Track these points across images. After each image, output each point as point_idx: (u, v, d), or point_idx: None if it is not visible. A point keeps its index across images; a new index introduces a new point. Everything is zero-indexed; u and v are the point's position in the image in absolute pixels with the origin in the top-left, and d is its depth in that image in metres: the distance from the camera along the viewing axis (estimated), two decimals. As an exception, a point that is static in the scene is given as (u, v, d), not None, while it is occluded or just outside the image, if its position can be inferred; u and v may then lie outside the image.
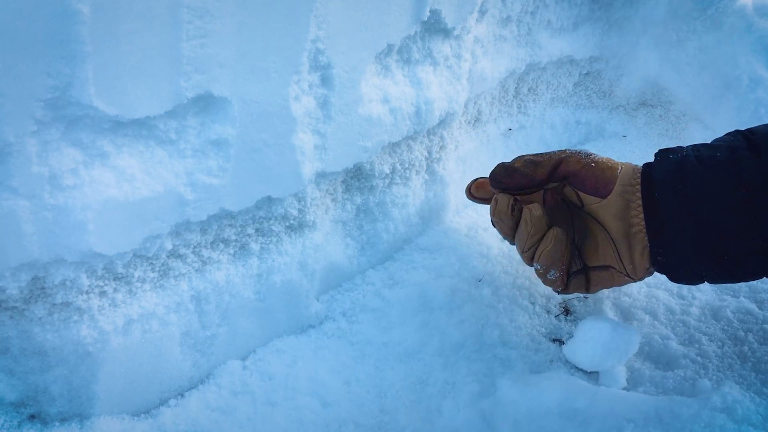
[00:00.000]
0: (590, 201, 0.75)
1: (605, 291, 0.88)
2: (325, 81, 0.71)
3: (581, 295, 0.88)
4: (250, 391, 0.74)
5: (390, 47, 0.77)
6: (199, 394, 0.73)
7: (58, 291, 0.60)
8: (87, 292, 0.62)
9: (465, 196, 0.89)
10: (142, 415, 0.70)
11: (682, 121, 1.27)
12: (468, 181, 0.98)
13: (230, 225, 0.70)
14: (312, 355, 0.79)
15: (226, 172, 0.65)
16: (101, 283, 0.63)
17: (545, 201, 0.80)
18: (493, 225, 0.81)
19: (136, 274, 0.65)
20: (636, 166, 0.75)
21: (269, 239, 0.75)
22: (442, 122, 0.88)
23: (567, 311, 0.87)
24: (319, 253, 0.81)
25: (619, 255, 0.74)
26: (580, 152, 0.76)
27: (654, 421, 0.67)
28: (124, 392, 0.68)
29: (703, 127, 1.21)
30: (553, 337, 0.84)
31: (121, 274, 0.64)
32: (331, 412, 0.73)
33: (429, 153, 0.89)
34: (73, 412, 0.66)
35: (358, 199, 0.84)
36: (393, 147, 0.83)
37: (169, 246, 0.66)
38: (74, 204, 0.57)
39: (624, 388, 0.75)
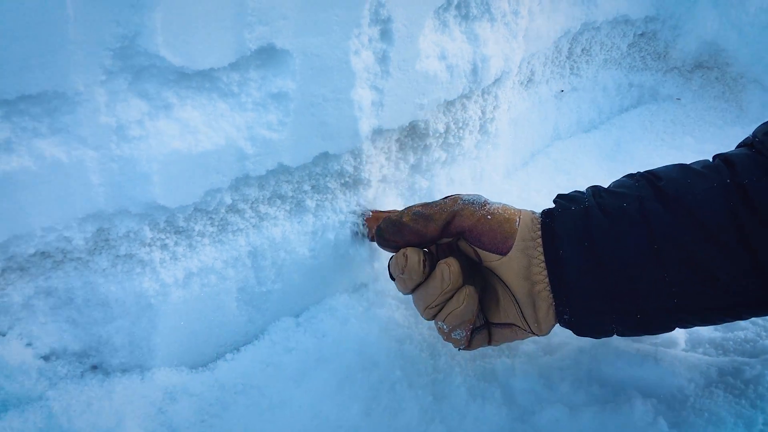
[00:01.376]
0: (489, 258, 0.67)
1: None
2: (385, 35, 0.70)
3: None
4: (302, 348, 0.74)
5: (449, 2, 0.75)
6: (254, 349, 0.74)
7: (122, 243, 0.61)
8: (149, 245, 0.63)
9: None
10: (200, 368, 0.71)
11: (739, 83, 1.23)
12: (519, 144, 0.96)
13: (287, 181, 0.70)
14: (364, 314, 0.79)
15: (285, 127, 0.65)
16: (163, 236, 0.63)
17: (438, 252, 0.73)
18: (392, 278, 0.72)
19: (197, 228, 0.66)
20: (534, 215, 0.68)
21: (324, 196, 0.75)
22: (497, 81, 0.86)
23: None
24: (372, 211, 0.80)
25: (523, 314, 0.67)
26: (474, 203, 0.68)
27: (716, 382, 0.66)
28: (182, 345, 0.69)
29: (762, 89, 1.18)
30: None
31: (182, 227, 0.64)
32: (382, 370, 0.73)
33: (483, 113, 0.88)
34: (134, 363, 0.67)
35: (412, 158, 0.83)
36: (448, 105, 0.82)
37: (228, 200, 0.66)
38: (140, 155, 0.57)
39: (683, 350, 0.74)
